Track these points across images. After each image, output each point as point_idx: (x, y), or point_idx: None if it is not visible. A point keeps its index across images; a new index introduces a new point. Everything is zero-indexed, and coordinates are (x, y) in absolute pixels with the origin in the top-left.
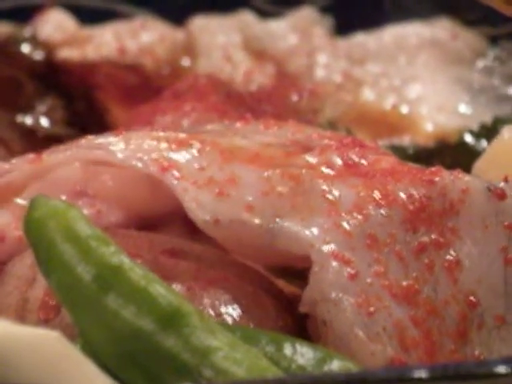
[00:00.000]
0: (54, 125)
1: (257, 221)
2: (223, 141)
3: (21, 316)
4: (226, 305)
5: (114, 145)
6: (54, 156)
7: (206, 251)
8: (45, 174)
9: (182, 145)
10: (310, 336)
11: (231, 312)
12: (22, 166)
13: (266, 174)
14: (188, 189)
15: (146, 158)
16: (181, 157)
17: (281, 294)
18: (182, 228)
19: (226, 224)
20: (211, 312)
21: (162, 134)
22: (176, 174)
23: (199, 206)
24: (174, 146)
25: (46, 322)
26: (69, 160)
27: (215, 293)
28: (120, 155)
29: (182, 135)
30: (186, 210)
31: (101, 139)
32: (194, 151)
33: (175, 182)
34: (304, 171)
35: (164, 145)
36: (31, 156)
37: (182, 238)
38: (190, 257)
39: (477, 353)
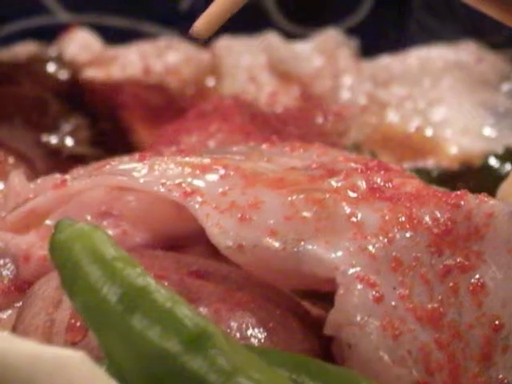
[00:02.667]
0: (79, 144)
1: (281, 245)
2: (247, 165)
3: (48, 338)
4: (252, 327)
5: (138, 170)
6: (78, 182)
7: (232, 272)
8: (69, 199)
9: (205, 170)
10: (335, 358)
11: (258, 334)
12: (46, 191)
13: (289, 198)
14: (210, 214)
15: (168, 183)
16: (203, 182)
17: (307, 315)
18: (208, 248)
19: (249, 249)
20: (238, 334)
21: (185, 159)
22: (198, 199)
23: (222, 231)
24: (197, 172)
25: (72, 344)
26: (93, 186)
27: (242, 315)
28: (142, 181)
29: (206, 160)
30: (208, 236)
31: (124, 165)
32: (217, 176)
33: (197, 206)
34: (328, 195)
35: (187, 170)
36: (55, 180)
37: (208, 258)
38: (216, 278)
39: (501, 376)
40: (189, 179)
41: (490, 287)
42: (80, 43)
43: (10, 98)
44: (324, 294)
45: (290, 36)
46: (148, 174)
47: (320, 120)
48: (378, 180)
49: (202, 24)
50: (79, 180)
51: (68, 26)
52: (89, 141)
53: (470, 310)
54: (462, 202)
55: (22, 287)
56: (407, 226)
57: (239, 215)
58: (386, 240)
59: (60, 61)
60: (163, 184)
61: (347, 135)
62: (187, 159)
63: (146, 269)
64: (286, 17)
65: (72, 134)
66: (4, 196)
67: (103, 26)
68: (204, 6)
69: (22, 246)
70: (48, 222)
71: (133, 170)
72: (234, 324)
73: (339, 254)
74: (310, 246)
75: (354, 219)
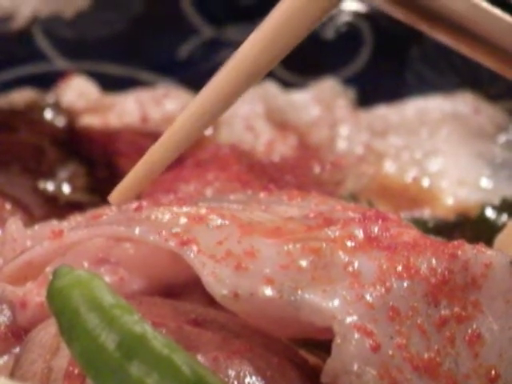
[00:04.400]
0: (76, 191)
1: (277, 293)
2: (243, 215)
3: None
4: (250, 376)
5: (135, 220)
6: (74, 233)
7: (230, 320)
8: (66, 250)
9: (202, 219)
10: None
11: (256, 383)
12: (42, 241)
13: (285, 247)
14: (206, 263)
15: (164, 232)
16: (199, 231)
17: (305, 364)
18: (205, 296)
19: (245, 298)
20: (236, 383)
21: (182, 209)
22: (194, 248)
23: (217, 280)
24: (193, 221)
25: None
26: (90, 237)
27: (240, 363)
28: (138, 231)
29: (202, 210)
30: (204, 284)
31: (121, 215)
32: (213, 226)
33: (193, 255)
34: (325, 244)
35: (184, 219)
36: (52, 226)
37: (205, 305)
38: (214, 326)
39: None
40: (184, 228)
41: (486, 338)
42: (77, 90)
43: (7, 144)
44: (321, 343)
45: (287, 85)
46: (144, 223)
47: (317, 169)
48: (376, 229)
49: (117, 195)
50: (76, 231)
51: (65, 73)
52: (86, 188)
53: (466, 360)
54: (460, 252)
55: (18, 333)
56: (404, 276)
57: (235, 264)
58: (383, 289)
59: (57, 108)
60: (160, 233)
61: (344, 185)
62: (184, 209)
63: (144, 316)
64: (284, 66)
65: (69, 180)
66: (1, 243)
67: (100, 74)
68: (202, 55)
69: (19, 292)
70: (46, 269)
71: (129, 220)
72: (231, 372)
73: (336, 302)
74: (306, 295)
75: (350, 268)
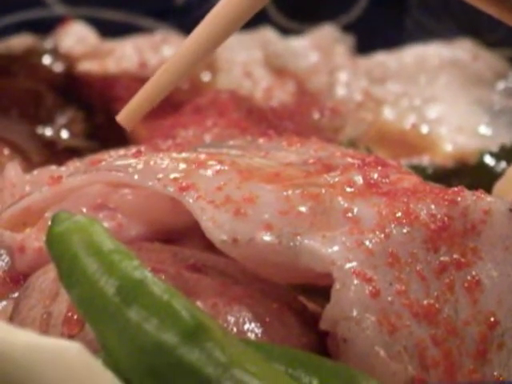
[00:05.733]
0: (74, 137)
1: (276, 239)
2: (242, 160)
3: (44, 330)
4: (249, 322)
5: (133, 166)
6: (73, 178)
7: (229, 266)
8: (65, 196)
9: (201, 165)
10: (331, 353)
11: (255, 329)
12: (41, 187)
13: (285, 193)
14: (205, 208)
15: (163, 178)
16: (199, 177)
17: (304, 310)
18: (203, 242)
19: (244, 243)
20: (235, 329)
21: (181, 155)
22: (193, 193)
23: (216, 225)
24: (192, 167)
25: (69, 337)
26: (89, 182)
27: (239, 310)
28: (137, 177)
29: (202, 155)
30: (203, 230)
31: (120, 161)
32: (213, 171)
33: (192, 201)
34: (324, 190)
35: (183, 165)
36: (51, 171)
37: (205, 251)
38: (213, 272)
39: (496, 373)
40: (183, 174)
41: (485, 284)
42: (76, 36)
43: (5, 90)
44: (320, 289)
45: (285, 31)
46: (143, 169)
47: (316, 115)
48: (375, 175)
49: (125, 115)
50: (75, 176)
51: (64, 18)
52: (84, 133)
53: (465, 306)
54: (459, 199)
55: (16, 278)
56: (404, 222)
57: (234, 209)
58: (382, 235)
59: (55, 53)
60: (159, 179)
61: (343, 131)
62: (183, 155)
63: (144, 262)
64: (282, 12)
65: (67, 126)
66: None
67: (99, 20)
68: (199, 1)
69: (17, 237)
70: (45, 214)
71: (128, 165)
72: (231, 318)
73: (335, 248)
74: (306, 241)
75: (350, 214)
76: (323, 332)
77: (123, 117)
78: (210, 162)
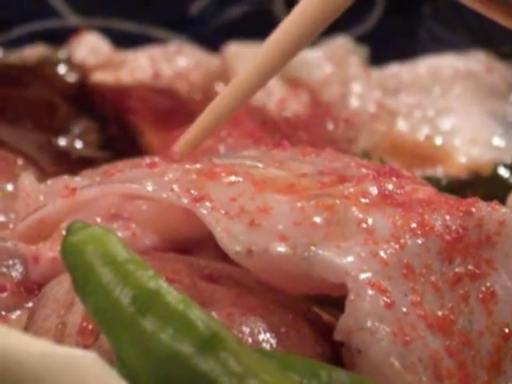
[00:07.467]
0: (88, 147)
1: (290, 250)
2: (256, 171)
3: (60, 340)
4: (264, 332)
5: (147, 178)
6: (88, 191)
7: (244, 276)
8: (79, 208)
9: (215, 176)
10: (345, 364)
11: (270, 339)
12: (55, 199)
13: (299, 204)
14: (219, 219)
15: (178, 189)
16: (213, 188)
17: (318, 321)
18: (217, 253)
19: (258, 254)
20: (250, 339)
21: (195, 166)
22: (208, 204)
23: (231, 236)
24: (206, 178)
25: (84, 347)
26: (102, 194)
27: (254, 320)
28: (152, 188)
29: (216, 167)
30: (217, 241)
31: (134, 172)
32: (227, 182)
33: (206, 212)
34: (338, 201)
35: (197, 176)
36: (65, 182)
37: (219, 261)
38: (228, 282)
39: None
40: (198, 185)
41: (500, 295)
42: (89, 47)
43: (19, 100)
44: (334, 300)
45: None
46: (157, 181)
47: (330, 126)
48: (390, 186)
49: (183, 145)
50: (89, 189)
51: (78, 29)
52: (97, 144)
53: (480, 317)
54: (474, 210)
55: (31, 288)
56: (419, 233)
57: (248, 220)
58: (397, 246)
59: (69, 64)
60: (173, 191)
61: (356, 142)
62: (197, 166)
63: (158, 272)
64: None
65: (81, 136)
66: (13, 198)
67: (113, 30)
68: (214, 12)
69: (32, 247)
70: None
71: (142, 177)
72: (246, 328)
73: (350, 259)
74: (320, 251)
75: (364, 225)
76: (338, 342)
77: (181, 146)
78: (224, 173)
